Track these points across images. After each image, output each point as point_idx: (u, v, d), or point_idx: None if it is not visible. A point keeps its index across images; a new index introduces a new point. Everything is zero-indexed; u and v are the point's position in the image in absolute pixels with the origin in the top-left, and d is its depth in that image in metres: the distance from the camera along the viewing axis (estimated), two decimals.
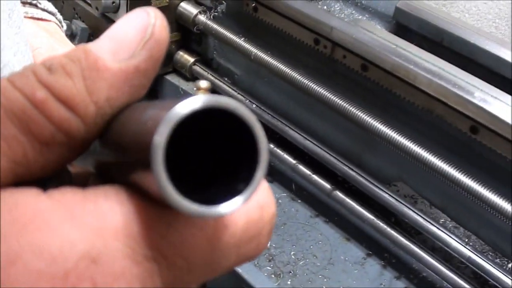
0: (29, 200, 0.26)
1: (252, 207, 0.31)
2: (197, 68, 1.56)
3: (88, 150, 0.33)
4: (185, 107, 0.23)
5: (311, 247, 1.29)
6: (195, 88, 0.27)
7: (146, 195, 0.28)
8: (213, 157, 0.28)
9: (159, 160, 0.23)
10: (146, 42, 0.30)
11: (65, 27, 0.72)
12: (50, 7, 0.70)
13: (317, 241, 1.30)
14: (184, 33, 1.58)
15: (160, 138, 0.23)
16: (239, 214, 0.30)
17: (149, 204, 0.27)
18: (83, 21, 1.63)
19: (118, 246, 0.26)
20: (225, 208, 0.24)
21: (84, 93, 0.29)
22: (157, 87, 1.63)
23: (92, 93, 0.29)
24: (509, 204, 0.99)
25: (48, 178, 0.32)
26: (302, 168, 1.35)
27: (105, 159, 0.32)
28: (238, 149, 0.26)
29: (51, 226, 0.25)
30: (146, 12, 0.31)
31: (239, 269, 1.17)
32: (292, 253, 1.27)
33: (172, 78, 1.61)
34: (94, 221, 0.26)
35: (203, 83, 0.25)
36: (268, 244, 1.23)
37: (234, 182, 0.26)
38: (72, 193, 0.27)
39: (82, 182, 0.36)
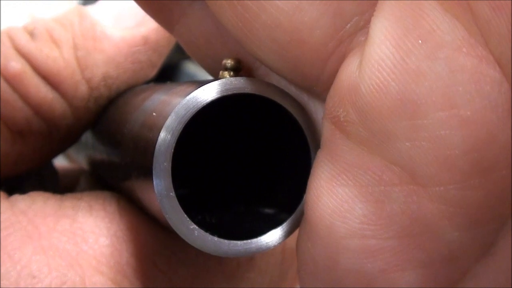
0: None
1: None
2: None
3: (79, 142, 0.26)
4: (204, 94, 0.16)
5: None
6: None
7: (146, 210, 0.21)
8: (233, 160, 0.21)
9: (163, 170, 0.15)
10: None
11: None
12: None
13: None
14: None
15: (168, 136, 0.16)
16: None
17: (148, 221, 0.20)
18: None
19: (99, 281, 0.19)
20: (258, 246, 0.16)
21: (74, 67, 0.22)
22: (170, 77, 1.55)
23: (85, 68, 0.22)
24: None
25: (26, 176, 0.26)
26: None
27: (98, 155, 0.26)
28: (271, 152, 0.19)
29: (7, 250, 0.18)
30: None
31: None
32: None
33: (189, 67, 1.53)
34: (69, 244, 0.19)
35: (229, 62, 0.18)
36: None
37: (259, 200, 0.19)
38: (43, 201, 0.19)
39: (72, 180, 0.29)
